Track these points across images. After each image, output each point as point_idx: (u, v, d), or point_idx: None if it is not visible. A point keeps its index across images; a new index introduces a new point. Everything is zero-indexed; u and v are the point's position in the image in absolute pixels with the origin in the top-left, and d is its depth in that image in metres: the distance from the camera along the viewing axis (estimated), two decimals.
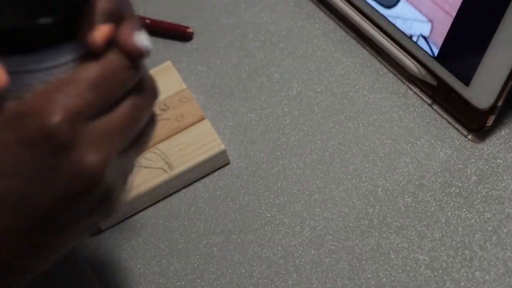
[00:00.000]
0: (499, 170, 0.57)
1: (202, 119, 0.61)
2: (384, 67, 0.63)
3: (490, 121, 0.57)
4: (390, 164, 0.58)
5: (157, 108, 0.61)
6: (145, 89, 0.42)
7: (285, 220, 0.57)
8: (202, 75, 0.65)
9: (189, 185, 0.60)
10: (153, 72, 0.63)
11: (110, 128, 0.39)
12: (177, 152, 0.59)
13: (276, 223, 0.57)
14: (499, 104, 0.56)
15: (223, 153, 0.59)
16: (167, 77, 0.63)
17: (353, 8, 0.64)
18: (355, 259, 0.55)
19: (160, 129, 0.60)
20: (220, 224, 0.58)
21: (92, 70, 0.39)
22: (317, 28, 0.66)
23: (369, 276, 0.54)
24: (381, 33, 0.63)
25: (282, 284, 0.55)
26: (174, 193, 0.60)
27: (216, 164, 0.60)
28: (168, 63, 0.64)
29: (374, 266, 0.54)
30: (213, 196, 0.59)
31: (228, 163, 0.60)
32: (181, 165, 0.59)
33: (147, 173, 0.59)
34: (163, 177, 0.58)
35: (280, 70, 0.64)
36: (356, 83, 0.63)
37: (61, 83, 0.38)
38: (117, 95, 0.40)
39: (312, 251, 0.56)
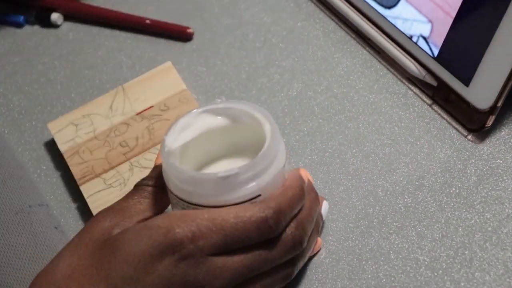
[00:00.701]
0: (499, 170, 0.57)
1: None
2: (384, 67, 0.63)
3: (490, 122, 0.57)
4: (390, 165, 0.58)
5: (157, 109, 0.61)
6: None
7: None
8: (202, 75, 0.65)
9: None
10: (153, 72, 0.64)
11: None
12: None
13: None
14: (499, 104, 0.56)
15: None
16: (167, 77, 0.63)
17: (353, 9, 0.64)
18: (355, 259, 0.55)
19: (160, 129, 0.60)
20: None
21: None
22: (317, 29, 0.66)
23: (369, 276, 0.54)
24: (381, 33, 0.63)
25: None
26: None
27: None
28: (168, 63, 0.64)
29: (374, 267, 0.54)
30: None
31: None
32: None
33: (147, 173, 0.59)
34: None
35: (280, 70, 0.64)
36: (356, 84, 0.63)
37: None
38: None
39: None
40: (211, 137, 0.51)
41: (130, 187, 0.58)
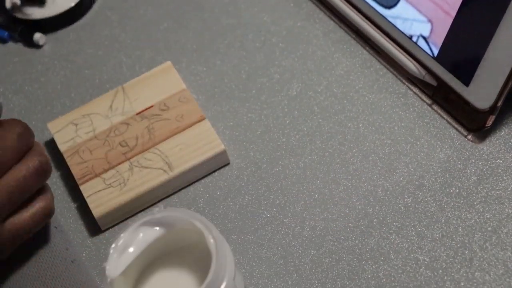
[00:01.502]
0: (499, 170, 0.57)
1: (202, 119, 0.60)
2: (384, 67, 0.63)
3: (490, 121, 0.57)
4: (390, 164, 0.58)
5: (157, 108, 0.61)
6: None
7: (285, 220, 0.57)
8: (202, 75, 0.65)
9: (189, 185, 0.60)
10: (153, 72, 0.64)
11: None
12: (177, 152, 0.59)
13: (276, 223, 0.57)
14: (499, 104, 0.56)
15: (223, 154, 0.59)
16: (167, 77, 0.63)
17: (353, 9, 0.64)
18: (355, 259, 0.55)
19: (160, 129, 0.60)
20: (220, 224, 0.58)
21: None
22: (317, 28, 0.66)
23: (369, 276, 0.54)
24: (381, 33, 0.63)
25: (282, 285, 0.55)
26: (174, 193, 0.60)
27: (217, 164, 0.60)
28: (168, 63, 0.64)
29: (374, 266, 0.54)
30: (213, 196, 0.59)
31: (228, 163, 0.60)
32: (181, 166, 0.59)
33: (147, 173, 0.59)
34: (163, 177, 0.58)
35: (280, 70, 0.64)
36: (356, 83, 0.63)
37: None
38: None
39: (312, 251, 0.56)
40: (149, 247, 0.49)
41: (130, 187, 0.58)
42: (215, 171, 0.60)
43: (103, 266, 0.47)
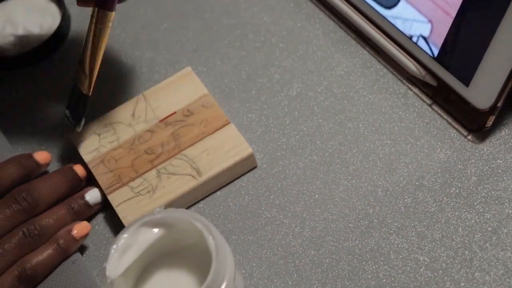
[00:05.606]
0: (499, 170, 0.57)
1: (227, 123, 0.60)
2: (384, 67, 0.63)
3: (490, 122, 0.57)
4: (390, 165, 0.58)
5: (180, 115, 0.61)
6: None
7: (285, 220, 0.57)
8: (202, 75, 0.65)
9: (217, 190, 0.60)
10: (173, 79, 0.63)
11: None
12: (205, 157, 0.59)
13: (276, 223, 0.57)
14: (499, 104, 0.56)
15: (251, 157, 0.59)
16: (188, 83, 0.62)
17: (353, 9, 0.64)
18: (355, 259, 0.55)
19: (186, 135, 0.60)
20: (220, 224, 0.58)
21: None
22: (317, 29, 0.66)
23: (369, 276, 0.54)
24: (381, 33, 0.63)
25: (282, 285, 0.55)
26: (202, 199, 0.59)
27: (245, 168, 0.59)
28: (188, 69, 0.63)
29: (374, 267, 0.54)
30: (213, 197, 0.59)
31: (255, 167, 0.60)
32: (210, 171, 0.58)
33: (175, 180, 0.58)
34: (192, 183, 0.58)
35: (280, 70, 0.64)
36: (356, 84, 0.63)
37: None
38: None
39: (312, 251, 0.56)
40: (149, 247, 0.49)
41: (159, 194, 0.57)
42: (243, 175, 0.60)
43: (104, 266, 0.47)
